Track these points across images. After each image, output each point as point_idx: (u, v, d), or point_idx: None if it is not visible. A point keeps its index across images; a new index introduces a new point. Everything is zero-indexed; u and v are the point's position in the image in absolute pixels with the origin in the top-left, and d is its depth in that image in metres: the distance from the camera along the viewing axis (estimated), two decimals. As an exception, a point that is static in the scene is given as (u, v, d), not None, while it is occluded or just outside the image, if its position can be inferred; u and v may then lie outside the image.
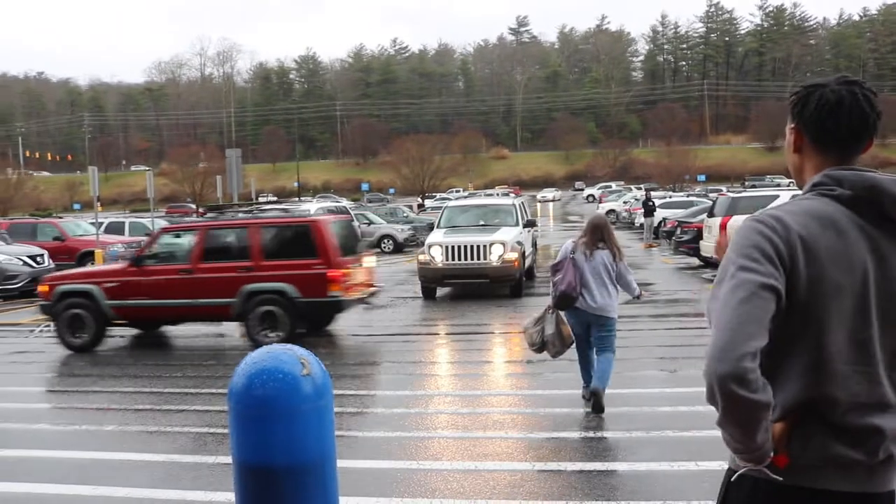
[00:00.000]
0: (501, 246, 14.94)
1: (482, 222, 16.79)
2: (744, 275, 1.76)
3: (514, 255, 14.93)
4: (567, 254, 7.06)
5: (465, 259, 14.96)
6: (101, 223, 24.67)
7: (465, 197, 32.75)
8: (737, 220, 16.53)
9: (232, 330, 13.42)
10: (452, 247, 15.04)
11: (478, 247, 14.94)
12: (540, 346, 7.29)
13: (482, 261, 14.90)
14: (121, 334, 13.10)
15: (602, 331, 7.07)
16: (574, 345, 7.28)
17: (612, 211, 45.42)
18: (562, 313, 7.18)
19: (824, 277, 1.79)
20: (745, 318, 1.72)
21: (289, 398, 2.23)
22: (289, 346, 2.36)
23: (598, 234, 7.08)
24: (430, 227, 21.68)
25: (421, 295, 15.77)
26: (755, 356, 1.70)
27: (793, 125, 2.02)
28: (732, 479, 1.93)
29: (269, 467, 2.23)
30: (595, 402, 6.96)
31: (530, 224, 17.66)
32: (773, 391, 1.78)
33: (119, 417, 7.58)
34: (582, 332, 7.20)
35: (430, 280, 15.45)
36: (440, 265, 15.08)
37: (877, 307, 1.83)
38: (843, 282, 1.80)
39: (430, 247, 15.33)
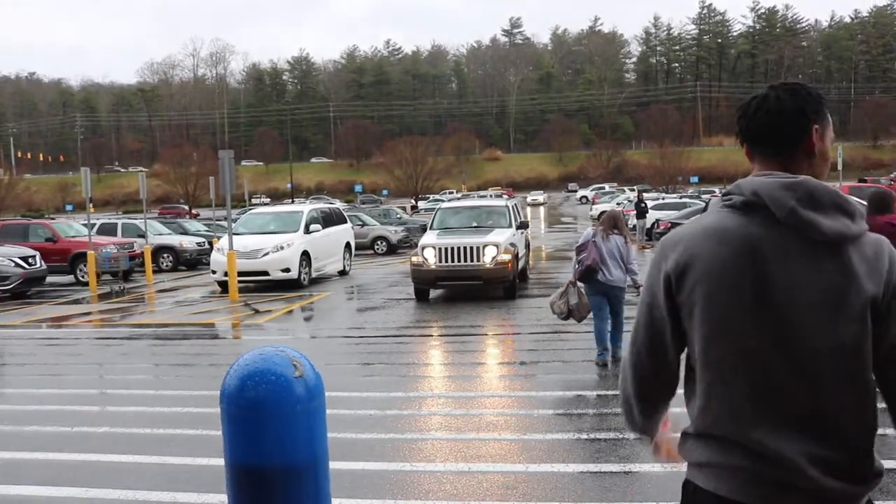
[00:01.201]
0: (495, 247, 14.81)
1: (475, 224, 16.68)
2: (642, 305, 1.99)
3: (507, 257, 14.82)
4: (589, 238, 8.97)
5: (459, 261, 14.80)
6: (94, 224, 24.59)
7: (459, 198, 32.68)
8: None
9: (226, 331, 13.40)
10: (446, 248, 14.87)
11: (471, 248, 14.78)
12: (566, 315, 9.10)
13: (475, 262, 14.75)
14: (111, 336, 13.07)
15: (616, 297, 8.96)
16: (595, 314, 9.02)
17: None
18: (581, 286, 9.03)
19: (711, 294, 1.80)
20: (642, 347, 1.97)
21: (281, 400, 2.22)
22: (281, 347, 2.35)
23: (612, 223, 9.07)
24: (424, 229, 21.59)
25: (414, 297, 15.75)
26: (650, 379, 1.98)
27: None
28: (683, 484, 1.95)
29: (262, 469, 2.23)
30: (612, 355, 9.01)
31: (523, 226, 17.56)
32: (691, 408, 1.92)
33: (111, 419, 7.55)
34: (598, 301, 8.95)
35: (423, 282, 15.32)
36: (433, 267, 14.93)
37: (771, 319, 1.77)
38: (726, 295, 1.79)
39: (423, 248, 15.17)
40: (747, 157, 2.04)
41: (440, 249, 14.90)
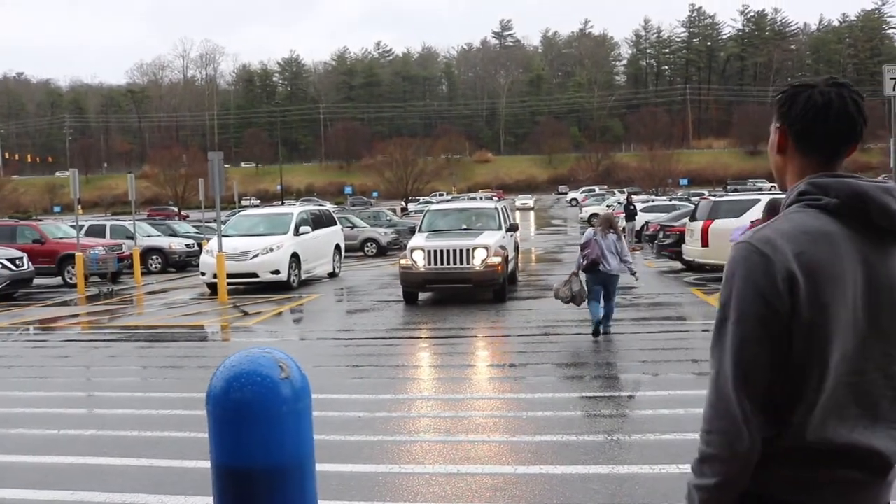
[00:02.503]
0: (485, 250, 14.60)
1: (464, 226, 16.49)
2: (747, 318, 1.75)
3: (497, 260, 14.61)
4: (591, 237, 11.00)
5: (448, 263, 14.59)
6: (82, 226, 24.48)
7: (449, 200, 32.53)
8: (719, 225, 16.62)
9: (215, 333, 13.36)
10: (435, 251, 14.64)
11: (460, 251, 14.58)
12: (570, 299, 11.19)
13: (465, 265, 14.55)
14: (99, 339, 13.01)
15: (612, 284, 11.06)
16: (589, 298, 11.07)
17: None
18: (581, 275, 11.11)
19: (824, 296, 1.74)
20: (755, 364, 1.74)
21: (267, 401, 2.21)
22: (267, 349, 2.34)
23: (608, 224, 11.22)
24: (413, 231, 21.50)
25: (403, 299, 15.71)
26: (756, 412, 1.74)
27: (778, 125, 1.95)
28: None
29: (248, 470, 2.22)
30: (603, 329, 11.02)
31: (513, 228, 17.41)
32: (782, 419, 1.78)
33: (98, 422, 7.52)
34: (598, 287, 10.97)
35: (412, 285, 15.11)
36: (422, 270, 14.72)
37: (865, 318, 1.77)
38: (838, 297, 1.75)
39: (411, 251, 14.93)
40: (782, 150, 1.95)
41: (429, 252, 14.68)
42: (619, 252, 11.01)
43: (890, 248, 1.83)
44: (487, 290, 15.15)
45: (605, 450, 6.05)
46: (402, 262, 15.12)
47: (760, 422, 1.75)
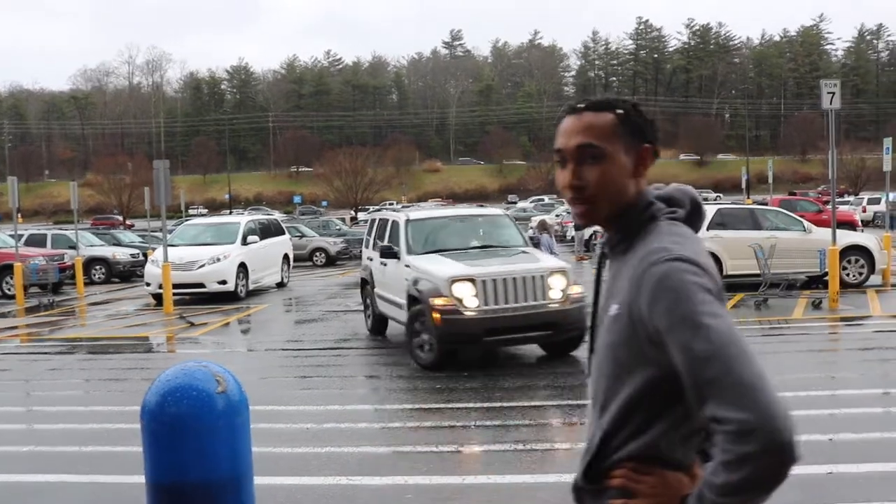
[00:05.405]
0: (562, 276, 9.71)
1: (475, 243, 11.19)
2: (733, 330, 1.54)
3: (579, 289, 9.86)
4: (536, 234, 15.84)
5: (513, 300, 9.37)
6: (21, 235, 23.84)
7: (433, 208, 31.08)
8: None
9: (160, 345, 13.13)
10: (494, 281, 9.31)
11: (532, 279, 9.48)
12: None
13: (540, 301, 9.44)
14: (39, 351, 12.70)
15: None
16: None
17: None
18: None
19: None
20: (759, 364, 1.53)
21: (202, 416, 2.17)
22: (204, 363, 2.31)
23: (543, 227, 17.01)
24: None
25: (359, 308, 15.51)
26: None
27: (648, 144, 1.77)
28: None
29: (183, 486, 2.18)
30: None
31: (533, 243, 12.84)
32: (663, 433, 1.75)
33: (38, 437, 7.32)
34: None
35: (461, 338, 9.53)
36: (475, 314, 9.24)
37: None
38: None
39: (451, 282, 9.27)
40: (641, 174, 1.79)
41: (485, 283, 9.28)
42: (549, 246, 14.84)
43: None
44: (562, 339, 9.92)
45: (553, 459, 6.08)
46: (437, 302, 9.29)
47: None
